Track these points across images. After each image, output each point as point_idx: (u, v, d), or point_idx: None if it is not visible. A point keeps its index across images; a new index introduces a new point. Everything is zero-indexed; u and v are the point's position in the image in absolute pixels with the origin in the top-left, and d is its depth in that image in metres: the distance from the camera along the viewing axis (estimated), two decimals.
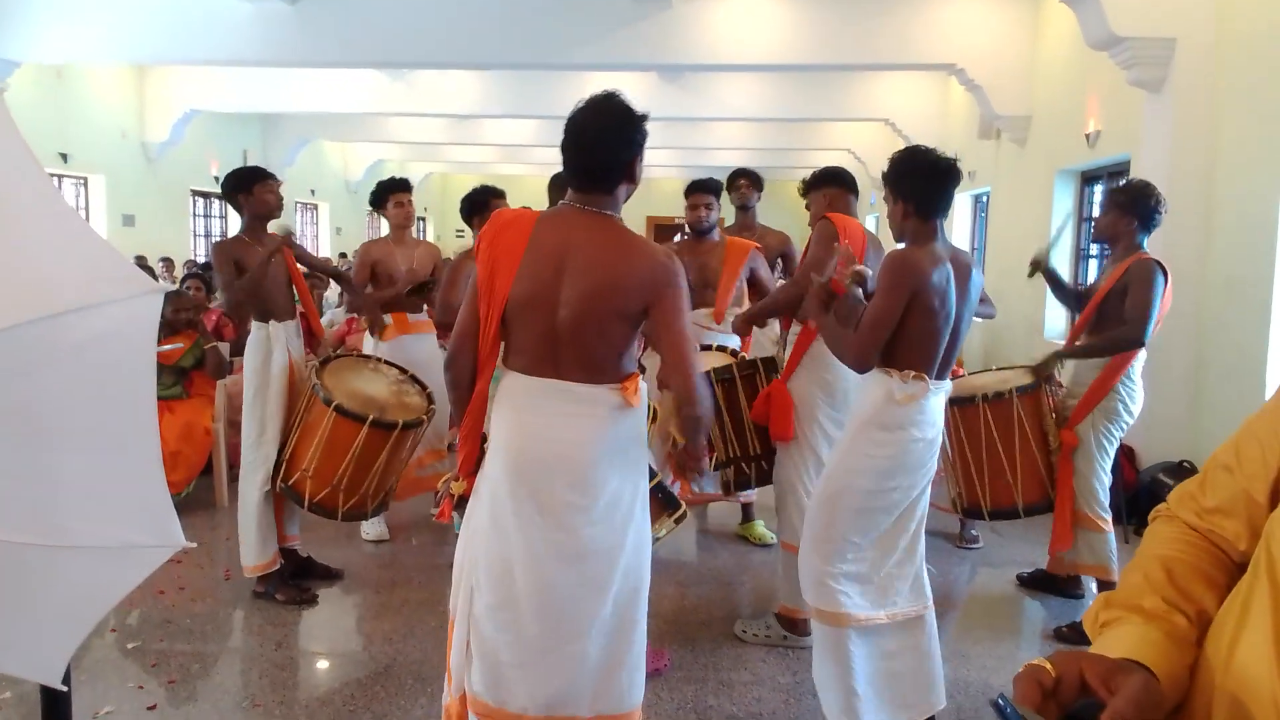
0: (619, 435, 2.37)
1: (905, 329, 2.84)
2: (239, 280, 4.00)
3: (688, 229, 4.87)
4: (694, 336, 2.40)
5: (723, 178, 5.30)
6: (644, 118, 2.39)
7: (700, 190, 4.77)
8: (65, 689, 1.54)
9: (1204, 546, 1.14)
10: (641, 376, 2.44)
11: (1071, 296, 4.47)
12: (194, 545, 1.46)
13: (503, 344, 2.45)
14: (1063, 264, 7.78)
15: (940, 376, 2.94)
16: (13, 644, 1.41)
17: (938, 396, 2.94)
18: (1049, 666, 0.95)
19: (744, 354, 4.60)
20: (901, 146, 3.11)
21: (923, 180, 2.92)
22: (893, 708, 2.99)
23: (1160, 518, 1.22)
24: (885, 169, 3.00)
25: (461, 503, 2.57)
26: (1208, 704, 1.00)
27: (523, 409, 2.37)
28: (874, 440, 2.91)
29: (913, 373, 2.86)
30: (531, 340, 2.34)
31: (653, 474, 2.79)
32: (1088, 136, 7.06)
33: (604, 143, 2.33)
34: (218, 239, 4.27)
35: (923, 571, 3.08)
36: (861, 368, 2.92)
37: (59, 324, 1.22)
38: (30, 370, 1.23)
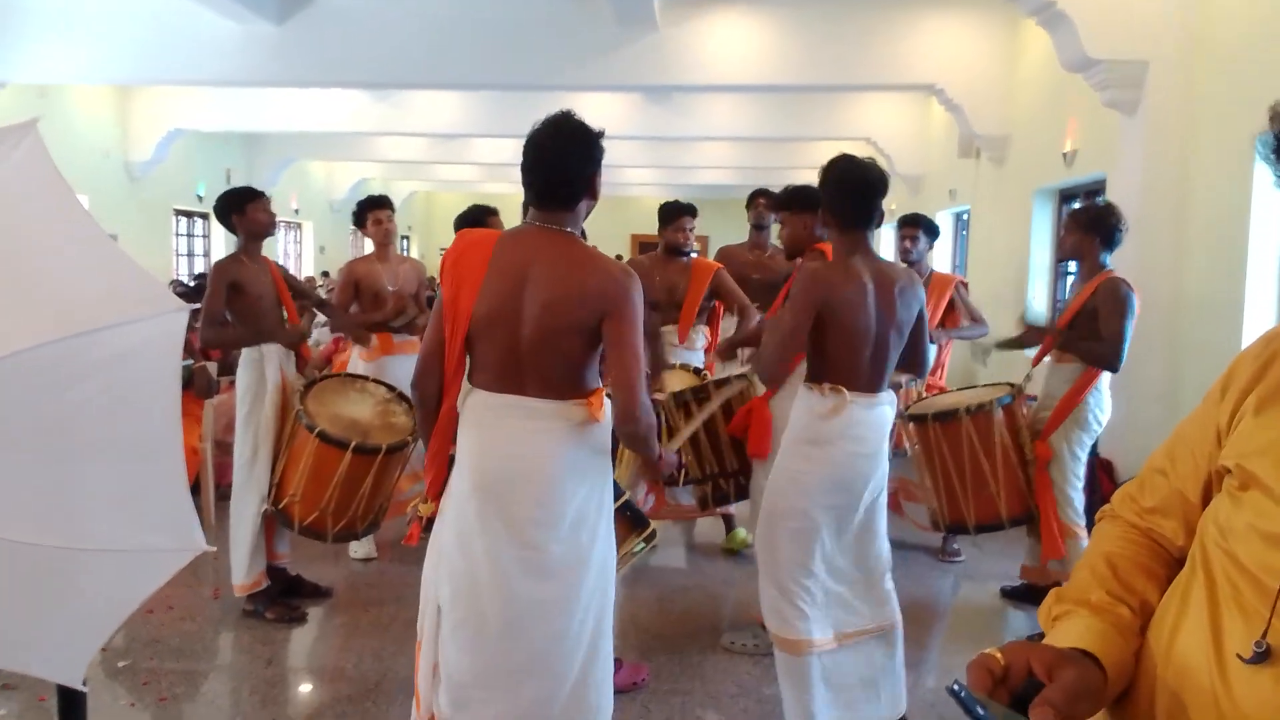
0: (583, 451, 2.39)
1: (821, 344, 2.85)
2: (221, 329, 4.08)
3: (664, 249, 4.97)
4: (645, 355, 2.40)
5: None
6: (601, 134, 2.44)
7: (685, 213, 4.89)
8: (85, 690, 1.59)
9: (1145, 543, 1.22)
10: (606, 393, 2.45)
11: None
12: (213, 549, 1.51)
13: (469, 363, 2.47)
14: (1041, 281, 7.93)
15: (872, 389, 2.90)
16: (37, 645, 1.46)
17: (871, 410, 2.90)
18: (998, 655, 1.02)
19: (708, 372, 4.70)
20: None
21: (837, 190, 2.88)
22: None
23: (1105, 518, 1.30)
24: None
25: (430, 524, 2.57)
26: (1150, 688, 1.07)
27: (487, 426, 2.39)
28: (803, 455, 2.90)
29: (829, 385, 2.86)
30: (495, 357, 2.37)
31: (620, 492, 2.79)
32: (1065, 156, 7.20)
33: (565, 161, 2.38)
34: (219, 259, 4.24)
35: (884, 587, 3.04)
36: (769, 380, 2.96)
37: (90, 341, 1.29)
38: (63, 384, 1.29)
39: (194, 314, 7.11)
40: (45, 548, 1.32)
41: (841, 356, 2.85)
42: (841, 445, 2.86)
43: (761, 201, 5.32)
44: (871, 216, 2.90)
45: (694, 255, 5.03)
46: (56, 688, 1.71)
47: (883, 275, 2.88)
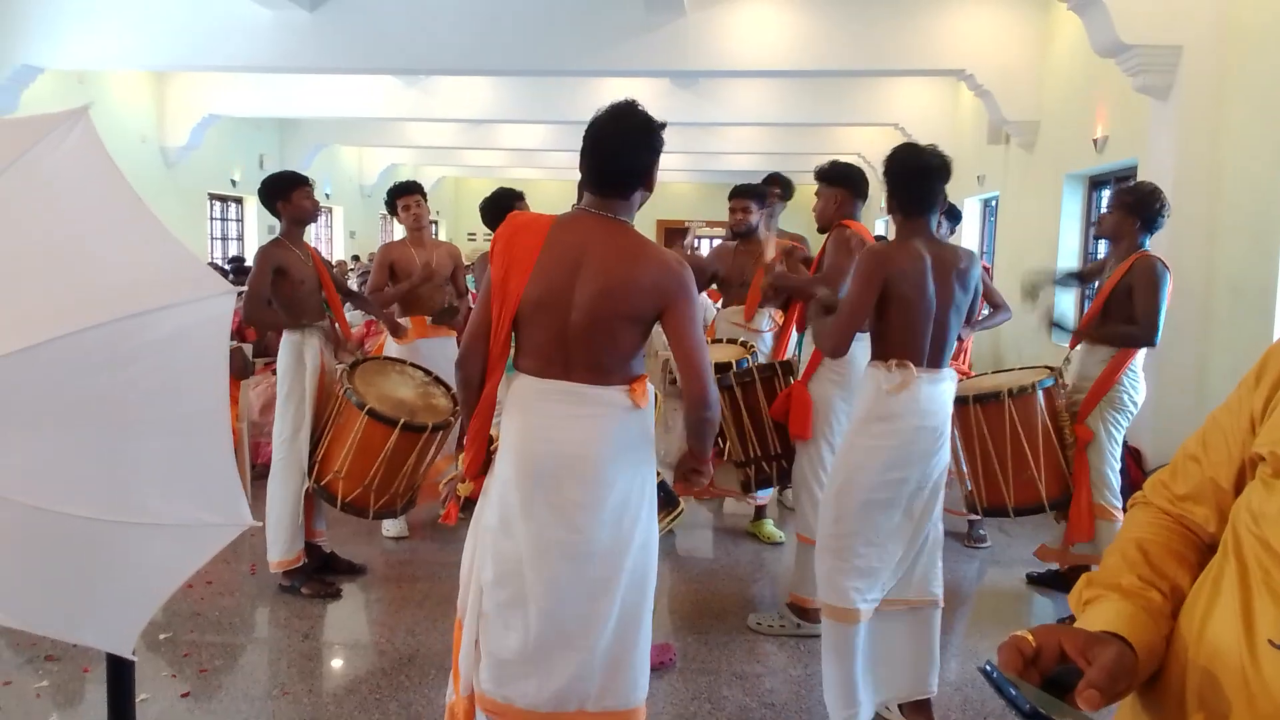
0: (627, 435, 2.41)
1: (885, 320, 2.94)
2: (263, 309, 4.16)
3: (730, 231, 5.12)
4: (704, 339, 2.44)
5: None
6: (663, 126, 2.46)
7: (740, 195, 5.02)
8: (134, 659, 1.67)
9: (1177, 529, 1.22)
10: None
11: (1074, 277, 4.92)
12: (260, 524, 1.57)
13: (513, 346, 2.49)
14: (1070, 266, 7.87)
15: (935, 365, 2.98)
16: (92, 615, 1.54)
17: (936, 385, 2.98)
18: (1030, 637, 1.04)
19: (755, 348, 4.76)
20: None
21: (898, 177, 2.99)
22: (887, 688, 3.07)
23: (1137, 505, 1.30)
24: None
25: (469, 504, 2.61)
26: (1181, 672, 1.08)
27: (532, 411, 2.41)
28: (872, 432, 2.97)
29: (895, 361, 2.93)
30: (542, 342, 2.39)
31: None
32: (1095, 142, 7.15)
33: (625, 150, 2.40)
34: (264, 242, 4.33)
35: (936, 565, 3.10)
36: (836, 352, 3.02)
37: (143, 322, 1.35)
38: (117, 364, 1.35)
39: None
40: (101, 522, 1.39)
41: (905, 333, 2.93)
42: (909, 420, 2.93)
43: (774, 190, 5.46)
44: (932, 202, 2.99)
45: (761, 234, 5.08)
46: (106, 657, 1.79)
47: (942, 259, 2.97)
